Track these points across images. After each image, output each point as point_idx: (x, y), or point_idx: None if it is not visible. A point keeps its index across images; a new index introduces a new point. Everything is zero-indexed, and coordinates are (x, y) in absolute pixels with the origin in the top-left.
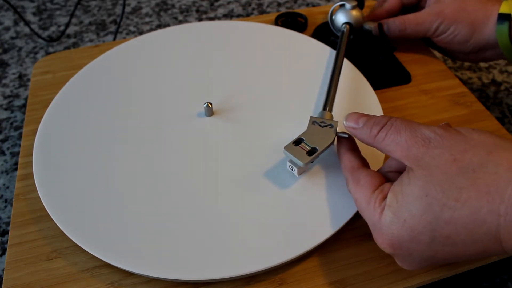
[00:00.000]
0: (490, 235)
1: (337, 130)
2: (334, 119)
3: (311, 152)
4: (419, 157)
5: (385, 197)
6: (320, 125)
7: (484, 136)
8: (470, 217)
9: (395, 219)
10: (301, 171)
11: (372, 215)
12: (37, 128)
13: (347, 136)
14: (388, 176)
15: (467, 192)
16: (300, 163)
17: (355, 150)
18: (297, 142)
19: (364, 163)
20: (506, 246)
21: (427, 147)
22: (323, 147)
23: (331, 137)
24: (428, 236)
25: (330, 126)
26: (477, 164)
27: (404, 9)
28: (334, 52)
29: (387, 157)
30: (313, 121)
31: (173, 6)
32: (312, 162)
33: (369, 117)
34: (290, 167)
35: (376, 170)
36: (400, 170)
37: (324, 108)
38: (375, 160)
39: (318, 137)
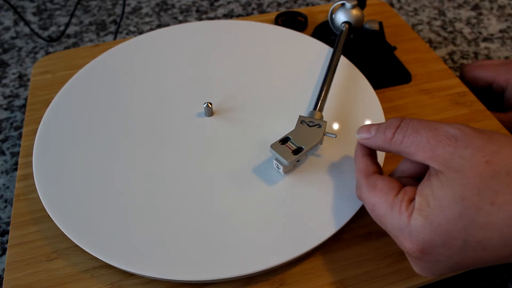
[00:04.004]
0: None
1: (325, 131)
2: (333, 119)
3: (297, 151)
4: (447, 158)
5: (411, 201)
6: (308, 125)
7: (507, 137)
8: (505, 221)
9: (427, 223)
10: (287, 170)
11: (397, 219)
12: (37, 128)
13: (335, 136)
14: (401, 181)
15: (503, 195)
16: (285, 162)
17: (372, 155)
18: (284, 140)
19: (379, 170)
20: None
21: (454, 147)
22: (309, 146)
23: (318, 137)
24: (461, 241)
25: (318, 126)
26: (510, 166)
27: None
28: None
29: (386, 162)
30: (301, 120)
31: (173, 6)
32: (298, 161)
33: (379, 124)
34: (276, 165)
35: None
36: (413, 175)
37: (315, 108)
38: None
39: (305, 136)
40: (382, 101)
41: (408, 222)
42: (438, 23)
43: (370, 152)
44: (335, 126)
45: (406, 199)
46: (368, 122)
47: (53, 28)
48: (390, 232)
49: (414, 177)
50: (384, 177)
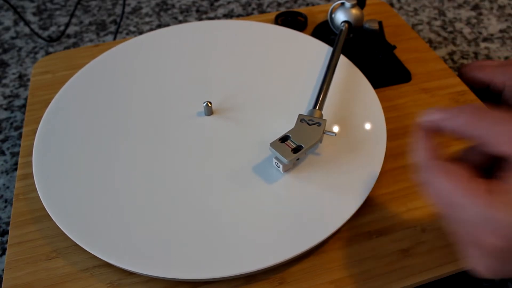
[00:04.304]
0: None
1: (325, 129)
2: (333, 117)
3: (297, 149)
4: None
5: (496, 192)
6: (308, 123)
7: None
8: None
9: None
10: (287, 168)
11: (481, 209)
12: (37, 128)
13: (334, 135)
14: None
15: None
16: (285, 160)
17: (435, 138)
18: (284, 139)
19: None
20: None
21: None
22: (308, 145)
23: (317, 135)
24: None
25: (317, 125)
26: None
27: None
28: None
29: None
30: (301, 118)
31: (173, 6)
32: (298, 159)
33: (456, 107)
34: (276, 163)
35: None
36: (478, 165)
37: (314, 106)
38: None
39: (304, 135)
40: (381, 100)
41: (495, 213)
42: (438, 23)
43: (434, 135)
44: (335, 124)
45: (495, 190)
46: (367, 121)
47: (53, 28)
48: (465, 221)
49: (479, 167)
50: (455, 162)
